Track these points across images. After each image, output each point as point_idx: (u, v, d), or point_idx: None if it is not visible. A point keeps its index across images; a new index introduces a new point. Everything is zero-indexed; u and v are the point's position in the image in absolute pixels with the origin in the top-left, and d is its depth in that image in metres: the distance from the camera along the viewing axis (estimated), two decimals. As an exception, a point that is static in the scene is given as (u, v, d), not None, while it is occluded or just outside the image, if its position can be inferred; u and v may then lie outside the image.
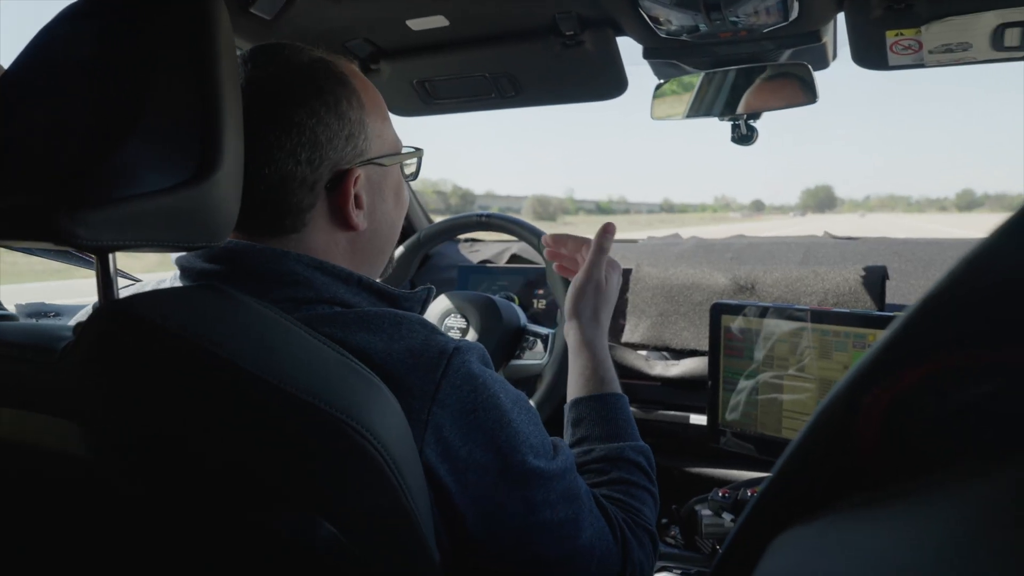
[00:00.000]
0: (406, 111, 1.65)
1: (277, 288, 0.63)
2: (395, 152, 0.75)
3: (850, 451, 0.29)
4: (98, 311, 0.52)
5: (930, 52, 1.12)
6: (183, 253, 0.67)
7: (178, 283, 0.69)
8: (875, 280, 1.33)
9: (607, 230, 0.98)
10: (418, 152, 0.80)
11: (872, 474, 0.28)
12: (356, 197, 0.69)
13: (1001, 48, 1.08)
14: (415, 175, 0.81)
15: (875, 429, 0.27)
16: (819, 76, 1.23)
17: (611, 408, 0.86)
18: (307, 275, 0.64)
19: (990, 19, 1.03)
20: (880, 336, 0.27)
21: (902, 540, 0.24)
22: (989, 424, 0.26)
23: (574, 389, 0.90)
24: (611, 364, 0.92)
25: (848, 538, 0.27)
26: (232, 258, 0.64)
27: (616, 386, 0.90)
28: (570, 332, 0.95)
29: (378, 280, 0.72)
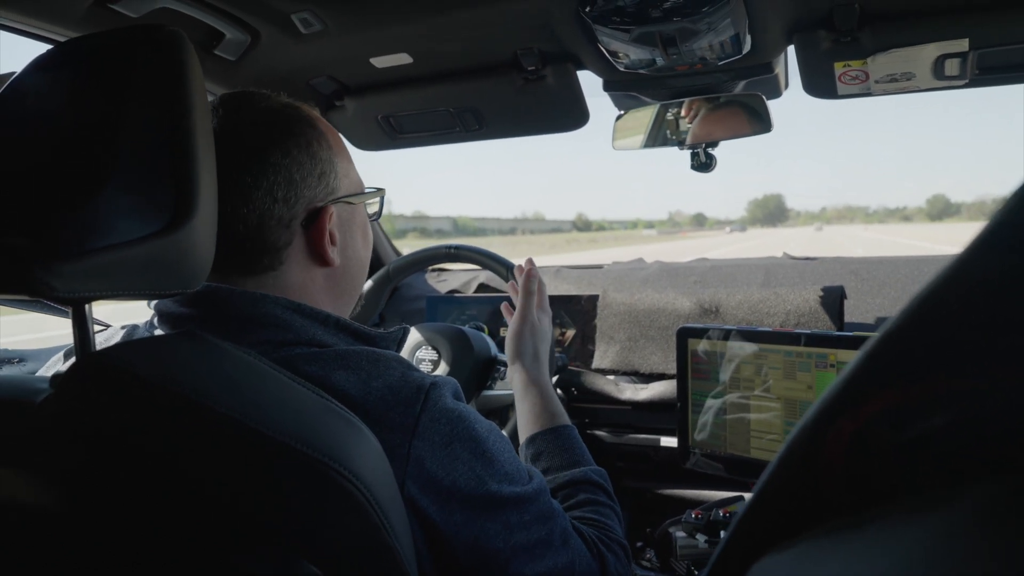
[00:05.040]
0: (371, 146, 1.65)
1: (256, 331, 0.64)
2: (361, 191, 0.78)
3: (819, 481, 0.30)
4: (76, 364, 0.51)
5: (876, 82, 1.17)
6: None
7: (155, 329, 0.69)
8: (833, 300, 1.38)
9: (530, 274, 1.06)
10: (381, 192, 0.82)
11: (841, 502, 0.30)
12: (330, 234, 0.71)
13: (942, 77, 1.13)
14: (378, 214, 0.83)
15: (840, 459, 0.29)
16: (772, 103, 1.28)
17: (566, 439, 0.91)
18: (286, 318, 0.65)
19: (931, 51, 1.09)
20: (843, 368, 0.28)
21: (868, 567, 0.26)
22: (947, 452, 0.27)
23: (528, 427, 0.95)
24: (557, 398, 0.98)
25: (821, 565, 0.28)
26: (210, 302, 0.65)
27: (566, 418, 0.96)
28: (515, 374, 1.01)
29: (348, 318, 0.73)
